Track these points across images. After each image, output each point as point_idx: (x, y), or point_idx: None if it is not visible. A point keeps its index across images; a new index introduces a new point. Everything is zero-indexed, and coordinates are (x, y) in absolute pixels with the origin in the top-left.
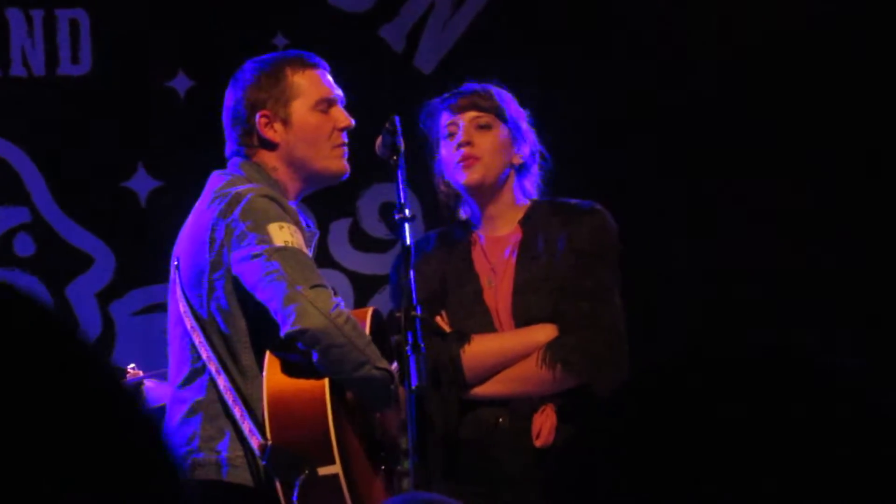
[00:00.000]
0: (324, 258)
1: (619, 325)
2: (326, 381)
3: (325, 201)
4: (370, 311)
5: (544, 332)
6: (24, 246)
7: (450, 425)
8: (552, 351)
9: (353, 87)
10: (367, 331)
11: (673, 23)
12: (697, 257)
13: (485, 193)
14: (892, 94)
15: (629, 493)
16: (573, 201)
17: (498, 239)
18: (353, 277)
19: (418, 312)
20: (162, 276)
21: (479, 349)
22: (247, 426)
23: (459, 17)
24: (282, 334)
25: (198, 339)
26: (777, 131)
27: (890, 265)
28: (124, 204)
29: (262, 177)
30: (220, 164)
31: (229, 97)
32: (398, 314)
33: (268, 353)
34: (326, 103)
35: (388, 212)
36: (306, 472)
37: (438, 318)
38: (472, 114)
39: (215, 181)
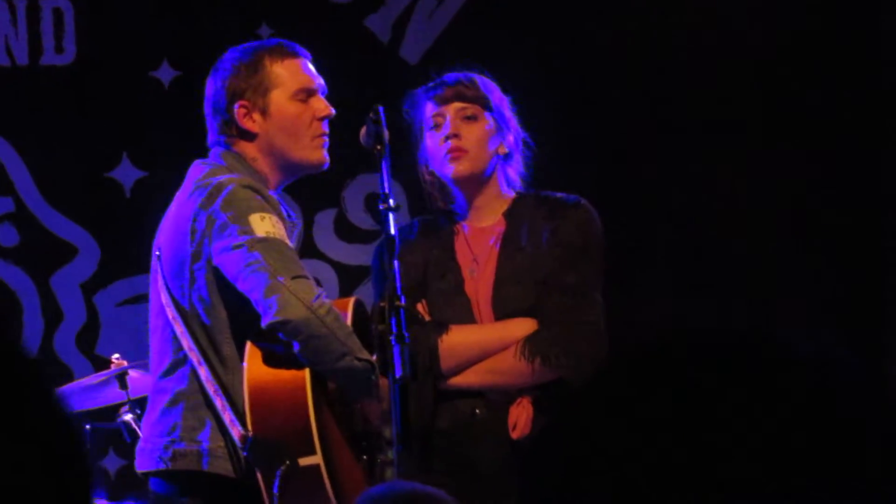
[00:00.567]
0: (309, 249)
1: (599, 320)
2: (307, 371)
3: (310, 192)
4: (352, 301)
5: (523, 326)
6: (8, 236)
7: (425, 415)
8: (531, 344)
9: (338, 77)
10: (350, 321)
11: (659, 15)
12: (674, 245)
13: (472, 185)
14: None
15: (603, 483)
16: (559, 195)
17: (482, 230)
18: (339, 268)
19: (402, 302)
20: (146, 266)
21: (457, 340)
22: (227, 417)
23: (445, 8)
24: (263, 325)
25: (179, 329)
26: (756, 113)
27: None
28: (109, 194)
29: (244, 166)
30: (205, 154)
31: (209, 86)
32: (382, 304)
33: (249, 344)
34: (305, 93)
35: (374, 202)
36: (287, 462)
37: (419, 307)
38: (458, 105)
39: (196, 171)
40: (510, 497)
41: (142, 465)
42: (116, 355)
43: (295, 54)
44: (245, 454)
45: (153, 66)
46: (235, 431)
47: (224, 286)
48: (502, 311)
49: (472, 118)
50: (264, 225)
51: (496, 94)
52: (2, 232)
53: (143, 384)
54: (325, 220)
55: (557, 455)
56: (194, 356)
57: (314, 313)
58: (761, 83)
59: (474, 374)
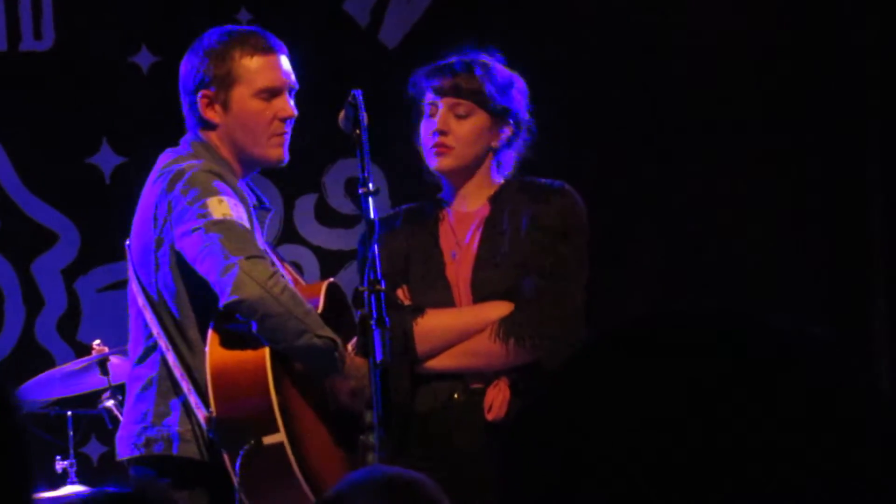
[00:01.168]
0: (290, 234)
1: (575, 303)
2: (267, 350)
3: (290, 177)
4: (325, 284)
5: (499, 309)
6: None
7: (401, 398)
8: (504, 326)
9: (317, 61)
10: (322, 304)
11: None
12: (663, 237)
13: (457, 176)
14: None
15: (582, 468)
16: (543, 181)
17: (466, 214)
18: (320, 253)
19: (382, 287)
20: (126, 253)
21: (432, 323)
22: (193, 400)
23: None
24: (220, 305)
25: (148, 316)
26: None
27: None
28: (89, 180)
29: (210, 154)
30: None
31: (183, 67)
32: (362, 289)
33: (211, 326)
34: (269, 92)
35: (354, 187)
36: (251, 441)
37: (399, 292)
38: (451, 100)
39: (163, 159)
40: (488, 480)
41: (121, 453)
42: (97, 341)
43: (268, 50)
44: (211, 435)
45: (132, 51)
46: (200, 413)
47: (187, 271)
48: (481, 295)
49: (463, 116)
50: (221, 208)
51: (498, 82)
52: None
53: (125, 370)
54: (305, 204)
55: (534, 439)
56: (163, 342)
57: (268, 292)
58: (755, 77)
59: (450, 357)
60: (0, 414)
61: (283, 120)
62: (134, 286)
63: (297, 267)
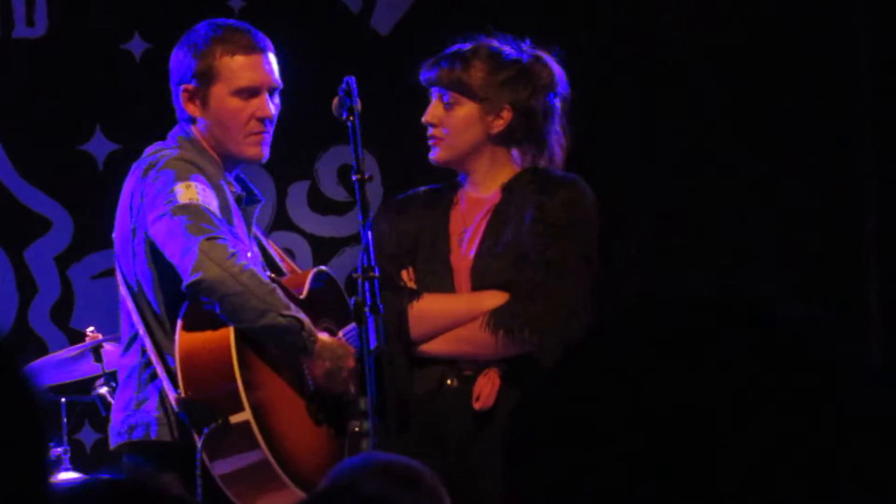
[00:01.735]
0: (282, 221)
1: (573, 298)
2: (231, 330)
3: (283, 164)
4: (311, 272)
5: (494, 299)
6: None
7: (399, 379)
8: (496, 317)
9: (309, 48)
10: (306, 291)
11: None
12: (657, 225)
13: (458, 166)
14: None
15: (570, 458)
16: (557, 172)
17: (478, 200)
18: (312, 240)
19: (376, 273)
20: (113, 243)
21: (426, 307)
22: (166, 383)
23: None
24: (183, 287)
25: (130, 305)
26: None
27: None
28: (82, 167)
29: (194, 147)
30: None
31: (172, 58)
32: (356, 275)
33: (183, 309)
34: (248, 93)
35: (347, 174)
36: (219, 421)
37: (404, 273)
38: (439, 91)
39: (147, 150)
40: (476, 467)
41: (112, 442)
42: (91, 328)
43: (250, 49)
44: (182, 416)
45: (125, 38)
46: (171, 395)
47: (160, 257)
48: (479, 282)
49: (450, 105)
50: (189, 192)
51: (491, 71)
52: None
53: (118, 357)
54: (298, 192)
55: (533, 430)
56: (141, 329)
57: (227, 271)
58: (749, 69)
59: (443, 342)
60: (17, 395)
61: (261, 120)
62: (118, 276)
63: (290, 254)
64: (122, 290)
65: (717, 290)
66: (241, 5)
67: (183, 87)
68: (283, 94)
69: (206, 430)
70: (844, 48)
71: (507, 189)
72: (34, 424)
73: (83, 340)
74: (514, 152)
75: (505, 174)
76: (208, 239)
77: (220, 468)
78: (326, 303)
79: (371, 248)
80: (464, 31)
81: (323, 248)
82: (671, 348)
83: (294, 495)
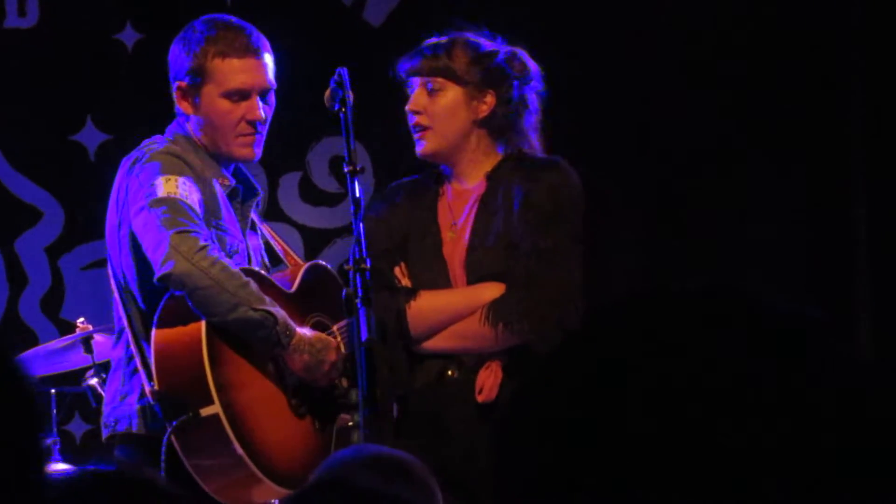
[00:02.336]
0: (274, 212)
1: (568, 285)
2: (203, 323)
3: (275, 155)
4: (304, 266)
5: (491, 291)
6: None
7: (398, 378)
8: (494, 310)
9: (301, 40)
10: (297, 285)
11: None
12: (651, 213)
13: (445, 157)
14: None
15: (572, 453)
16: (538, 156)
17: (463, 191)
18: (304, 231)
19: (367, 265)
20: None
21: (425, 305)
22: (142, 376)
23: None
24: (154, 280)
25: (117, 297)
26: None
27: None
28: (73, 157)
29: (187, 141)
30: (169, 116)
31: (168, 55)
32: (348, 267)
33: (162, 303)
34: (238, 95)
35: (339, 165)
36: (189, 413)
37: (397, 270)
38: (423, 79)
39: (143, 143)
40: (477, 459)
41: (103, 433)
42: (81, 319)
43: (244, 51)
44: (156, 409)
45: (116, 28)
46: (147, 388)
47: (142, 250)
48: (473, 275)
49: (435, 91)
50: (168, 186)
51: (474, 55)
52: None
53: (108, 348)
54: (289, 182)
55: (527, 422)
56: (126, 322)
57: (195, 265)
58: (743, 69)
59: (443, 339)
60: (9, 385)
61: (251, 122)
62: (108, 269)
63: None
64: (112, 282)
65: (707, 285)
66: None
67: (177, 83)
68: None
69: (174, 423)
70: (838, 48)
71: (491, 177)
72: (27, 415)
73: (73, 331)
74: (497, 141)
75: (489, 163)
76: (179, 232)
77: (193, 461)
78: (321, 297)
79: (363, 241)
80: (454, 24)
81: (314, 239)
82: (660, 343)
83: (270, 489)
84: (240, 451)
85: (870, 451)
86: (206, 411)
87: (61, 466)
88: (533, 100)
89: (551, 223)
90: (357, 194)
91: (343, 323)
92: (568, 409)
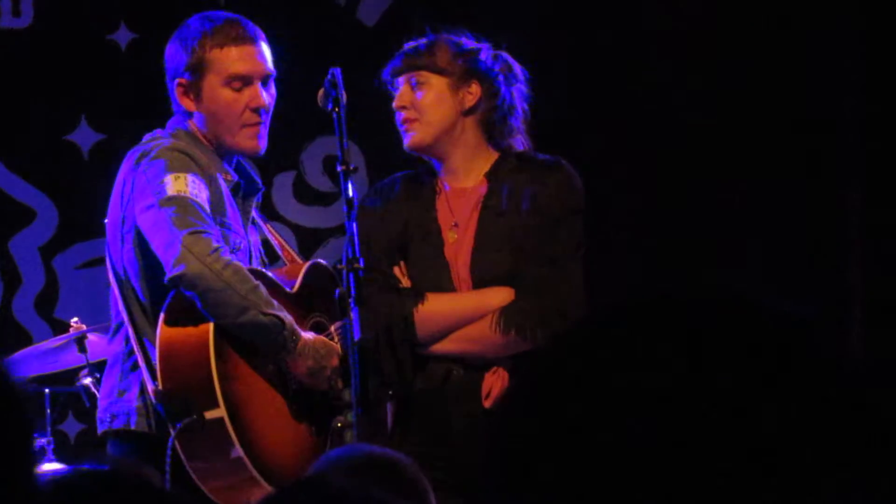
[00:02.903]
0: (268, 211)
1: (576, 290)
2: (211, 325)
3: (269, 154)
4: (305, 265)
5: (500, 296)
6: None
7: (405, 380)
8: (506, 317)
9: (295, 40)
10: (298, 285)
11: None
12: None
13: (434, 149)
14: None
15: (561, 452)
16: (540, 156)
17: (463, 190)
18: (297, 230)
19: (360, 265)
20: (105, 230)
21: (432, 308)
22: (145, 374)
23: None
24: (165, 280)
25: (116, 293)
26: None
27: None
28: (67, 157)
29: (189, 137)
30: (163, 116)
31: (165, 52)
32: (341, 267)
33: (166, 302)
34: (240, 81)
35: (332, 164)
36: (193, 416)
37: (397, 270)
38: (407, 75)
39: (144, 138)
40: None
41: (99, 428)
42: (75, 319)
43: (240, 39)
44: (159, 409)
45: (110, 28)
46: (150, 387)
47: (147, 248)
48: (480, 278)
49: (419, 84)
50: (178, 184)
51: (455, 49)
52: None
53: (102, 348)
54: (283, 182)
55: (518, 421)
56: (125, 317)
57: (209, 267)
58: (734, 59)
59: (451, 342)
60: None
61: (255, 110)
62: (108, 263)
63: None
64: (111, 277)
65: (699, 285)
66: None
67: (177, 80)
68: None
69: (178, 425)
70: (832, 47)
71: (492, 177)
72: (16, 417)
73: (67, 331)
74: (488, 138)
75: (483, 161)
76: (192, 233)
77: (194, 463)
78: (320, 296)
79: (356, 240)
80: (448, 23)
81: (308, 239)
82: (652, 343)
83: (267, 492)
84: (242, 454)
85: (865, 452)
86: (210, 414)
87: (55, 466)
88: (519, 100)
89: (560, 228)
90: (350, 194)
91: (339, 323)
92: (554, 410)
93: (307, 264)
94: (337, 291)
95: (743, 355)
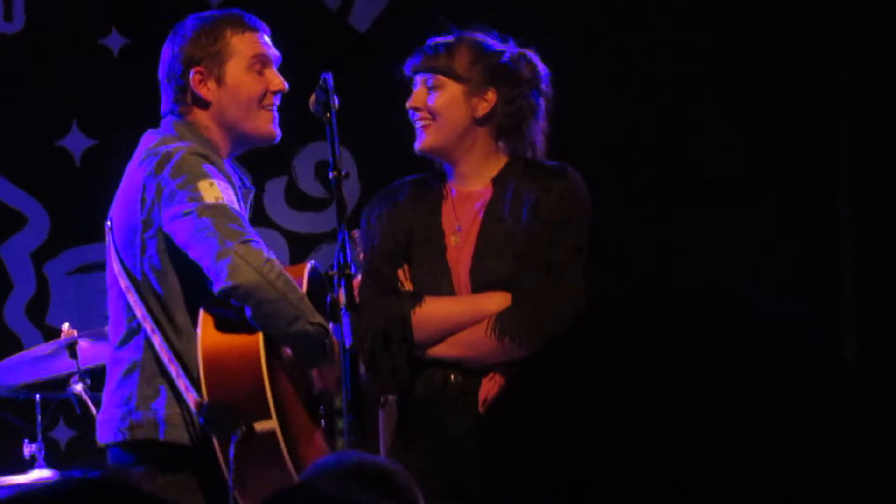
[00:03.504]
0: (259, 217)
1: (575, 298)
2: (260, 336)
3: (260, 160)
4: (307, 266)
5: (496, 301)
6: None
7: (401, 383)
8: (501, 322)
9: (287, 45)
10: (305, 287)
11: None
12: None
13: (444, 154)
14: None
15: (553, 455)
16: (546, 163)
17: (469, 194)
18: (289, 236)
19: (352, 271)
20: (96, 235)
21: (429, 311)
22: (182, 384)
23: None
24: (215, 291)
25: (132, 298)
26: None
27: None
28: (59, 163)
29: (194, 135)
30: (155, 122)
31: (166, 52)
32: (332, 273)
33: (202, 311)
34: (261, 63)
35: (324, 170)
36: (243, 428)
37: (400, 272)
38: (423, 76)
39: (147, 140)
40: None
41: (102, 438)
42: (66, 325)
43: (255, 29)
44: (201, 421)
45: (102, 33)
46: (191, 398)
47: (175, 254)
48: (480, 283)
49: (434, 88)
50: (213, 191)
51: (476, 54)
52: None
53: (94, 354)
54: (275, 188)
55: (509, 423)
56: (148, 325)
57: (264, 277)
58: (731, 57)
59: (447, 346)
60: None
61: (275, 93)
62: (116, 267)
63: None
64: (123, 282)
65: (692, 285)
66: (220, 1)
67: (194, 69)
68: None
69: (234, 438)
70: (826, 47)
71: (498, 182)
72: None
73: (58, 337)
74: (501, 144)
75: (492, 167)
76: (244, 242)
77: (238, 475)
78: (318, 300)
79: (348, 245)
80: (440, 29)
81: (300, 245)
82: (645, 344)
83: None
84: (290, 466)
85: (858, 452)
86: (261, 426)
87: (46, 473)
88: (540, 104)
89: (560, 234)
90: (342, 200)
91: (332, 328)
92: (547, 413)
93: (308, 265)
94: (329, 297)
95: (741, 355)
